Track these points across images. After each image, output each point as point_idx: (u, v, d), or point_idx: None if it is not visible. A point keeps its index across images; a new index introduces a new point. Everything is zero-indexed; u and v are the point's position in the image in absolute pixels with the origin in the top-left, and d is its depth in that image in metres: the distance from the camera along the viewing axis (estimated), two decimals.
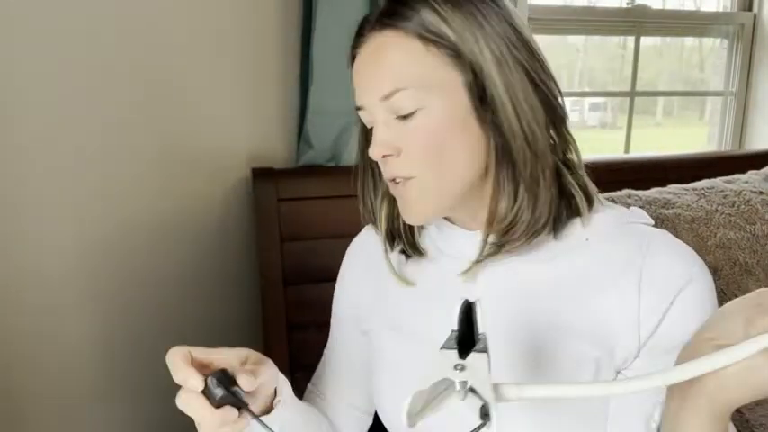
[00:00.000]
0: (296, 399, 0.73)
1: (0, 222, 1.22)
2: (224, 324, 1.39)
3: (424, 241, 0.73)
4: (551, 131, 0.63)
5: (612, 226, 0.65)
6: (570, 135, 0.65)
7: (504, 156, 0.61)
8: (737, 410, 0.84)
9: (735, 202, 1.15)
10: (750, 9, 1.84)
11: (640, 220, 0.67)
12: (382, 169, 0.65)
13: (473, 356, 0.44)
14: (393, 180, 0.64)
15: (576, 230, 0.65)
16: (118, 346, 1.34)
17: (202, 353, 0.59)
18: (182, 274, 1.34)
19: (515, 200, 0.62)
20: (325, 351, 0.87)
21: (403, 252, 0.73)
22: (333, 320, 0.86)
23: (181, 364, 0.57)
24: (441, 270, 0.70)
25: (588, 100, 2.18)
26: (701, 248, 1.05)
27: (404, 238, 0.72)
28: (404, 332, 0.74)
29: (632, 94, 1.80)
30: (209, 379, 0.56)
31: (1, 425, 1.29)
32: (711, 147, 1.96)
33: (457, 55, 0.59)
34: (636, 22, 1.75)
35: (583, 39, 1.96)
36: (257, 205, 1.25)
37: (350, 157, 1.32)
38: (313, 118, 1.29)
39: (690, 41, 2.02)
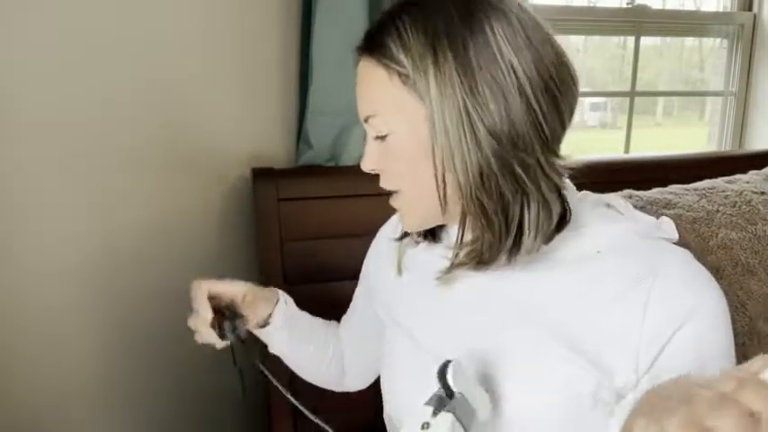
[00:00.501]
0: (295, 318, 0.87)
1: (2, 222, 1.22)
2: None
3: (447, 233, 0.74)
4: (498, 171, 0.59)
5: (630, 238, 0.64)
6: (536, 170, 0.60)
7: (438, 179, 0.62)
8: None
9: (736, 202, 1.15)
10: (750, 9, 1.84)
11: (664, 234, 0.65)
12: None
13: (440, 416, 0.49)
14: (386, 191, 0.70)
15: (583, 242, 0.64)
16: (117, 346, 1.33)
17: (216, 287, 0.78)
18: (181, 275, 1.34)
19: (470, 224, 0.64)
20: (348, 314, 0.95)
21: (424, 237, 0.75)
22: (357, 289, 0.94)
23: (201, 297, 0.76)
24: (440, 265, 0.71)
25: (588, 100, 2.18)
26: (702, 249, 1.05)
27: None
28: (402, 326, 0.75)
29: (632, 94, 1.80)
30: (225, 323, 0.76)
31: (1, 427, 1.28)
32: (711, 147, 1.95)
33: (414, 84, 0.60)
34: (636, 22, 1.75)
35: (583, 39, 1.96)
36: (257, 205, 1.25)
37: (350, 157, 1.31)
38: (313, 118, 1.29)
39: (690, 41, 2.02)
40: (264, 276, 1.26)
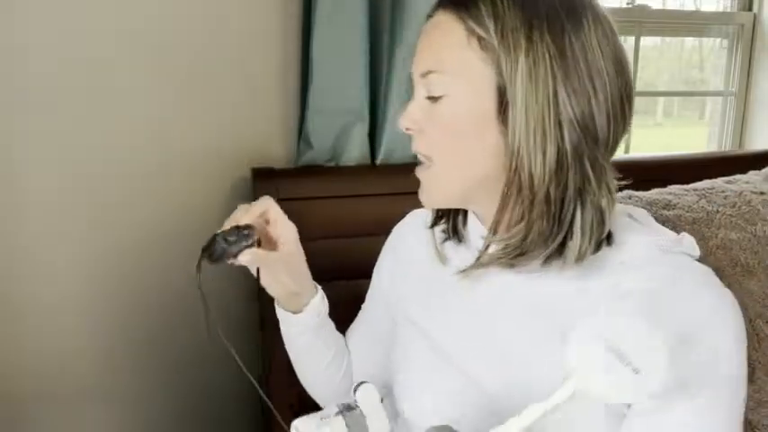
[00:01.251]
0: (324, 324, 0.83)
1: (2, 221, 1.22)
2: (223, 324, 1.39)
3: (468, 230, 0.72)
4: (571, 162, 0.58)
5: (653, 252, 0.62)
6: (601, 170, 0.60)
7: (511, 164, 0.60)
8: None
9: (736, 202, 1.14)
10: (750, 9, 1.84)
11: (685, 250, 0.64)
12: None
13: (337, 418, 0.58)
14: (418, 161, 0.67)
15: (609, 252, 0.62)
16: (118, 346, 1.33)
17: (276, 216, 0.76)
18: (181, 275, 1.34)
19: (515, 216, 0.62)
20: (357, 318, 0.92)
21: (445, 234, 0.73)
22: (367, 299, 0.91)
23: (257, 206, 0.73)
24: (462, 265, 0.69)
25: None
26: (701, 250, 1.05)
27: (451, 218, 0.73)
28: (418, 326, 0.75)
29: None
30: (235, 234, 0.69)
31: (1, 426, 1.28)
32: (711, 147, 1.95)
33: (495, 55, 0.58)
34: (636, 22, 1.75)
35: None
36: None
37: (350, 157, 1.31)
38: (313, 118, 1.29)
39: (690, 41, 2.02)
40: None
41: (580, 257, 0.60)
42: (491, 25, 0.58)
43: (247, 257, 0.71)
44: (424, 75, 0.63)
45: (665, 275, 0.60)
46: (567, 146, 0.58)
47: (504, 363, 0.65)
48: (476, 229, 0.70)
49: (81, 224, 1.26)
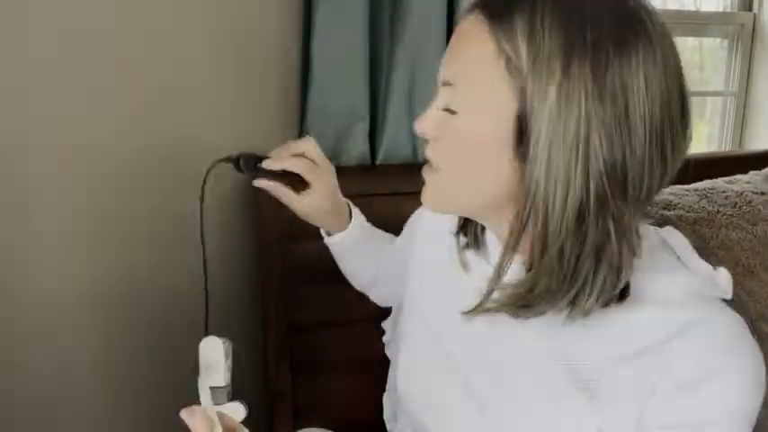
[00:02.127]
0: (356, 243, 0.92)
1: (2, 221, 1.22)
2: (224, 325, 1.38)
3: (486, 244, 0.68)
4: (593, 218, 0.51)
5: (686, 294, 0.57)
6: (625, 229, 0.53)
7: (525, 205, 0.54)
8: None
9: (736, 203, 1.15)
10: (750, 9, 1.84)
11: (718, 292, 0.59)
12: None
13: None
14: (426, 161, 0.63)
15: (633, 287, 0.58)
16: (117, 347, 1.33)
17: (315, 155, 0.83)
18: (181, 275, 1.34)
19: (526, 263, 0.57)
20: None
21: (467, 239, 0.69)
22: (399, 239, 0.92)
23: (298, 145, 0.83)
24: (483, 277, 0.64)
25: None
26: (703, 250, 1.05)
27: (473, 225, 0.68)
28: (419, 316, 0.75)
29: None
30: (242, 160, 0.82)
31: (1, 427, 1.28)
32: (711, 147, 1.95)
33: (522, 82, 0.51)
34: None
35: None
36: (257, 205, 1.25)
37: (350, 157, 1.31)
38: (313, 118, 1.29)
39: (690, 41, 2.02)
40: (264, 276, 1.26)
41: (585, 314, 0.55)
42: (523, 47, 0.51)
43: (261, 183, 0.83)
44: (444, 84, 0.58)
45: (688, 321, 0.55)
46: (592, 199, 0.51)
47: (504, 378, 0.64)
48: (493, 245, 0.66)
49: (81, 224, 1.26)
